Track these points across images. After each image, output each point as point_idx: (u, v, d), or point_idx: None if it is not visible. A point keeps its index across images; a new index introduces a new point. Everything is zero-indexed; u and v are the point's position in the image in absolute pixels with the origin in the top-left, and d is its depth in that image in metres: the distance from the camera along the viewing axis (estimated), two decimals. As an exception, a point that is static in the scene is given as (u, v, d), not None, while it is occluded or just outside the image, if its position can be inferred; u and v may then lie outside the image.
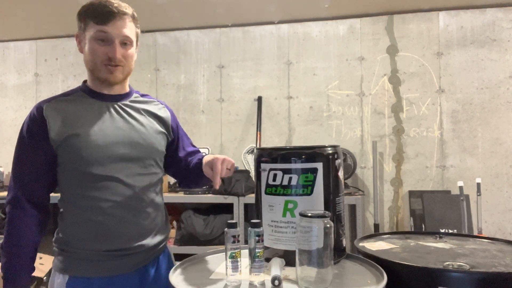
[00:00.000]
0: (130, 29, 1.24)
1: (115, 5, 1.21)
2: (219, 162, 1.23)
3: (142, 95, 1.39)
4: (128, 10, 1.24)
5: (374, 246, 1.34)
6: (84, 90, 1.29)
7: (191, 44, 3.48)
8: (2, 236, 1.21)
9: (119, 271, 1.23)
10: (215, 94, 3.43)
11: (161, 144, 1.34)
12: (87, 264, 1.20)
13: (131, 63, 1.28)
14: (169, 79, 3.50)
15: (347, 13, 3.21)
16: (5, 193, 3.09)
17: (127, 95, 1.33)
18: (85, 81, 1.32)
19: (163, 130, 1.36)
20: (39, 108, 1.23)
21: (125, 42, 1.23)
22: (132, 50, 1.27)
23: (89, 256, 1.21)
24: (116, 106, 1.28)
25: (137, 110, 1.32)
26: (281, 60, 3.35)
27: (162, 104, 1.42)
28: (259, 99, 3.32)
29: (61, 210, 1.26)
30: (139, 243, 1.25)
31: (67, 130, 1.19)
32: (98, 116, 1.24)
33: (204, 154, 1.45)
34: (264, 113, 3.33)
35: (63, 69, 3.66)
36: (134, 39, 1.26)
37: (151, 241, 1.28)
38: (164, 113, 1.39)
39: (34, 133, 1.21)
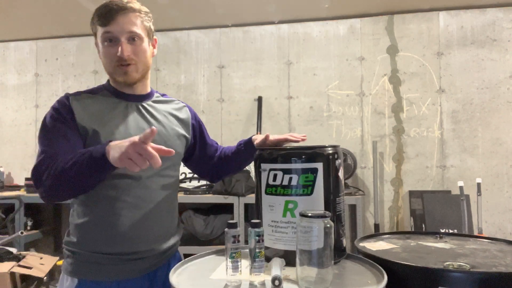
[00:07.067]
0: (135, 24, 1.19)
1: (116, 2, 1.17)
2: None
3: (162, 95, 1.39)
4: (132, 4, 1.19)
5: (374, 246, 1.33)
6: (108, 89, 1.28)
7: (191, 44, 3.48)
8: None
9: (130, 275, 1.20)
10: (215, 94, 3.43)
11: (180, 147, 1.34)
12: (97, 268, 1.17)
13: (145, 59, 1.24)
14: (169, 79, 3.50)
15: (347, 13, 3.21)
16: (5, 193, 3.11)
17: (149, 96, 1.32)
18: (109, 80, 1.31)
19: (183, 132, 1.36)
20: (67, 97, 1.21)
21: (133, 38, 1.19)
22: (144, 45, 1.22)
23: (99, 259, 1.18)
24: (139, 106, 1.27)
25: (159, 111, 1.32)
26: (281, 60, 3.35)
27: (182, 103, 1.43)
28: (259, 99, 3.32)
29: (73, 210, 1.23)
30: (151, 247, 1.23)
31: (91, 126, 1.17)
32: (122, 115, 1.23)
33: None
34: (264, 113, 3.33)
35: (63, 69, 3.66)
36: (143, 33, 1.21)
37: (163, 245, 1.27)
38: (184, 114, 1.40)
39: (64, 115, 1.17)
